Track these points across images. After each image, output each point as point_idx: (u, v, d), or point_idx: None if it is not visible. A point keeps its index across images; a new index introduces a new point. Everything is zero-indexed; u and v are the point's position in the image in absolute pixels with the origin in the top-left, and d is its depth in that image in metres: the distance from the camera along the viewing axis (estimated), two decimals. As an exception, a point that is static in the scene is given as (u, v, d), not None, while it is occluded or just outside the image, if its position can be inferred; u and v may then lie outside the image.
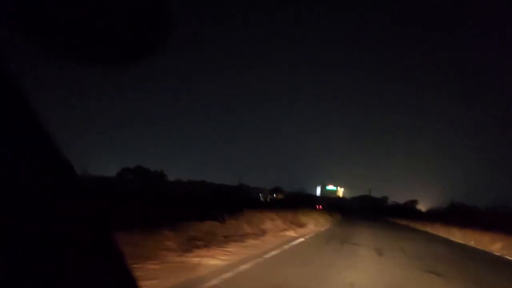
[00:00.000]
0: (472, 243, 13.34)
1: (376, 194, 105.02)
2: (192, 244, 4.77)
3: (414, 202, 64.22)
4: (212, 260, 4.11)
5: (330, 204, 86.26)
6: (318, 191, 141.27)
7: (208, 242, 5.14)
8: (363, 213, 53.11)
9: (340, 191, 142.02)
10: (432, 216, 29.14)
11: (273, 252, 5.56)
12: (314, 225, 11.44)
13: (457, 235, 15.97)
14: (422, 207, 60.64)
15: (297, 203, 29.90)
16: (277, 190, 63.79)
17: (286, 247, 6.48)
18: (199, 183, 55.47)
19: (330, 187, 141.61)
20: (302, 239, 8.07)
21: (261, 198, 72.41)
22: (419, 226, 25.08)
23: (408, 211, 53.80)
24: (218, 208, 11.32)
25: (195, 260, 4.00)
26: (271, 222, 9.02)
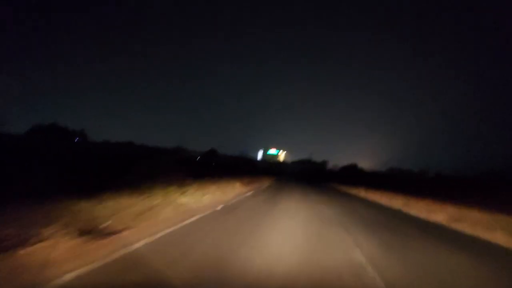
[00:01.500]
0: (382, 201, 15.18)
1: (318, 158, 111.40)
2: None
3: (354, 165, 66.20)
4: None
5: (269, 168, 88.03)
6: (260, 155, 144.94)
7: None
8: (298, 177, 51.81)
9: (282, 155, 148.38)
10: (365, 180, 29.95)
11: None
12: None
13: (371, 196, 17.81)
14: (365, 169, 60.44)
15: (228, 168, 28.44)
16: (211, 153, 57.09)
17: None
18: (125, 145, 49.07)
19: (272, 151, 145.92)
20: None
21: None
22: (347, 189, 25.25)
23: (346, 174, 53.43)
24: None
25: None
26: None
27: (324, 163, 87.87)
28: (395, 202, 13.90)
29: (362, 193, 20.28)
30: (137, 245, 3.77)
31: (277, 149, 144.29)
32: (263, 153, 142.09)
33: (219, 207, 7.93)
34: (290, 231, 5.71)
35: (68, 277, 2.68)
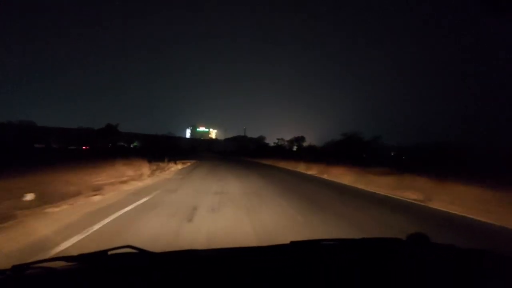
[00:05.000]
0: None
1: (254, 134, 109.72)
2: None
3: (300, 139, 57.92)
4: None
5: (194, 148, 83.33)
6: (188, 133, 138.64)
7: None
8: (230, 156, 48.13)
9: (213, 133, 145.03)
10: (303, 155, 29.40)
11: None
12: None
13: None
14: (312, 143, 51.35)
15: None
16: (108, 130, 46.68)
17: None
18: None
19: (201, 128, 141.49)
20: None
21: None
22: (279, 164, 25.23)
23: (285, 150, 50.36)
24: None
25: None
26: None
27: (261, 139, 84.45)
28: (300, 167, 18.60)
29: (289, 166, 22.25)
30: None
31: (206, 126, 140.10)
32: (191, 131, 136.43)
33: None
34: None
35: None
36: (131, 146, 77.49)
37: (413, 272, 0.86)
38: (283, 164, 23.50)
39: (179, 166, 14.28)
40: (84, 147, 46.63)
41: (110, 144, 39.29)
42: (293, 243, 1.04)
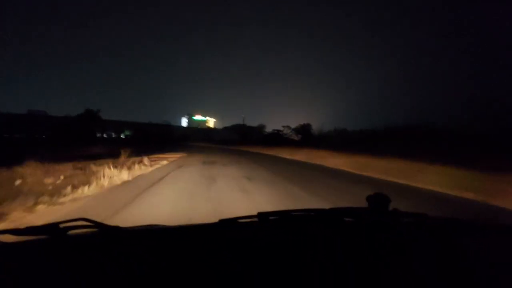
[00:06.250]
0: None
1: (253, 122, 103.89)
2: None
3: (307, 126, 56.69)
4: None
5: (190, 136, 78.59)
6: (185, 122, 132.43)
7: None
8: (228, 147, 44.33)
9: (211, 121, 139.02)
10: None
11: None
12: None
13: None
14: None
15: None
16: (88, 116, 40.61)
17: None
18: None
19: (198, 117, 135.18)
20: None
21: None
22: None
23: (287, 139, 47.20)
24: None
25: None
26: None
27: (261, 127, 79.00)
28: (285, 153, 21.22)
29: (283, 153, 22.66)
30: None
31: (202, 115, 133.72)
32: (188, 119, 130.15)
33: None
34: None
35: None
36: (121, 135, 72.36)
37: (382, 246, 0.83)
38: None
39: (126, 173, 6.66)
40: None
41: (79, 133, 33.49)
42: (260, 214, 0.98)
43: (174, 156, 15.34)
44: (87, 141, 23.59)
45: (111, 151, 10.76)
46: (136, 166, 8.10)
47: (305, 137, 50.98)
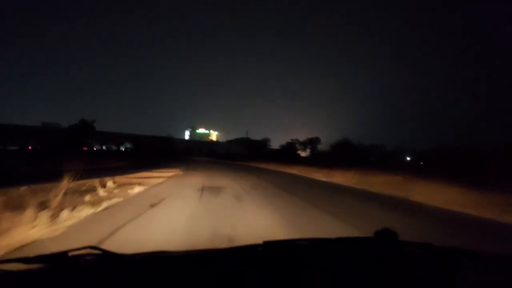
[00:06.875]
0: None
1: (257, 136, 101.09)
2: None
3: (315, 140, 53.37)
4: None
5: (192, 150, 75.31)
6: (187, 135, 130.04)
7: None
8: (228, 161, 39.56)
9: (214, 135, 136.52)
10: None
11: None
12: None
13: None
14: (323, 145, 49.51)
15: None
16: (82, 127, 38.36)
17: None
18: None
19: (201, 130, 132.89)
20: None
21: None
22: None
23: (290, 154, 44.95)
24: None
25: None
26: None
27: (264, 141, 76.41)
28: (317, 174, 17.06)
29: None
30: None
31: (206, 128, 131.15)
32: (190, 132, 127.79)
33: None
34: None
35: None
36: (121, 148, 70.21)
37: (386, 271, 0.84)
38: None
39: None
40: (30, 147, 39.84)
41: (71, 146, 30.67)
42: (266, 243, 0.99)
43: (163, 175, 12.05)
44: (72, 154, 20.57)
45: (67, 169, 6.79)
46: (66, 207, 4.18)
47: (313, 151, 47.84)
